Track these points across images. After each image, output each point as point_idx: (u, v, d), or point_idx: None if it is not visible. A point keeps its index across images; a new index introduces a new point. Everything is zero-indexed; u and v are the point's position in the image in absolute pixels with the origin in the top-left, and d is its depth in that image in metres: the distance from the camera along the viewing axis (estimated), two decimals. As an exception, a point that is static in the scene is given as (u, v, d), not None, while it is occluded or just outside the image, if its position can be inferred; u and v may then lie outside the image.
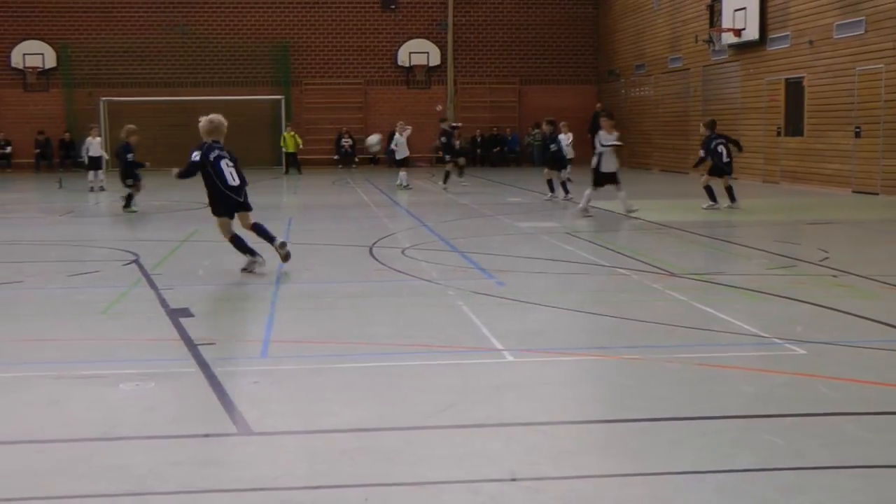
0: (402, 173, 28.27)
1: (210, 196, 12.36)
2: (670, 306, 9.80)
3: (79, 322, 9.45)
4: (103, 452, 5.59)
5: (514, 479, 5.04)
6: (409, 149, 28.87)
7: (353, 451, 5.48)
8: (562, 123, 25.21)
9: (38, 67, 41.63)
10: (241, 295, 10.95)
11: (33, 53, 41.51)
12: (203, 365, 7.44)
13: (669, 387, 6.83)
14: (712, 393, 6.70)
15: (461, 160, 29.80)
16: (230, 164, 12.44)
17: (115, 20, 41.85)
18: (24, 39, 41.53)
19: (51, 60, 41.65)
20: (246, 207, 12.51)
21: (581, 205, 19.15)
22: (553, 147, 24.16)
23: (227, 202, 12.30)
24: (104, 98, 40.27)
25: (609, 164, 19.10)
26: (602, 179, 18.97)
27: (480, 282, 11.35)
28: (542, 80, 43.53)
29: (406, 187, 27.77)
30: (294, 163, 38.56)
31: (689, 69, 34.49)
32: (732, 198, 20.33)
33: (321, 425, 6.00)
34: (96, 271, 12.55)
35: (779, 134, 28.48)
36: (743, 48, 30.16)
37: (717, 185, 20.35)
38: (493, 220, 18.78)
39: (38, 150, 40.96)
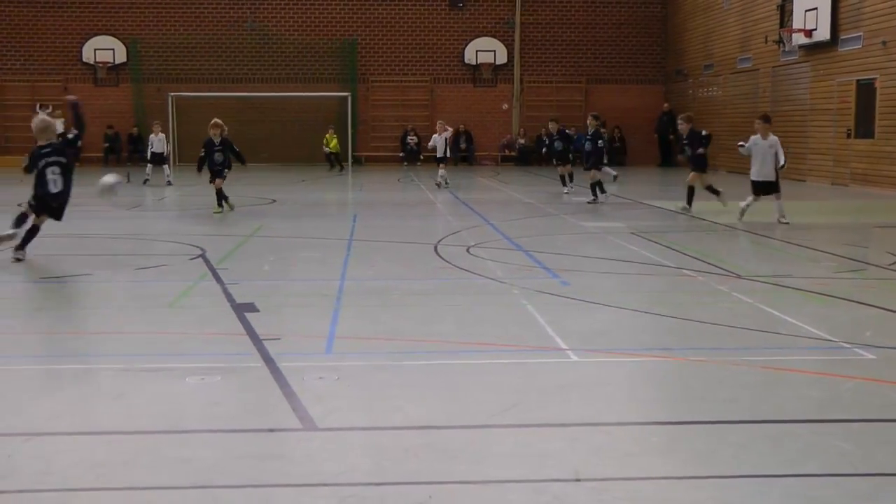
0: (441, 171, 28.00)
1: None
2: (736, 308, 9.71)
3: (146, 315, 9.54)
4: (169, 445, 5.64)
5: (578, 480, 5.01)
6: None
7: (417, 449, 5.48)
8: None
9: (108, 62, 42.13)
10: (306, 291, 10.99)
11: (104, 49, 42.01)
12: (268, 360, 7.48)
13: (735, 389, 6.76)
14: (778, 397, 6.63)
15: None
16: (57, 170, 13.04)
17: (184, 16, 42.24)
18: (96, 35, 42.05)
19: (121, 56, 42.13)
20: (56, 217, 13.24)
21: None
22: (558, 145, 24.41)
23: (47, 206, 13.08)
24: (172, 93, 40.67)
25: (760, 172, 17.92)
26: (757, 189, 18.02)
27: (545, 281, 11.32)
28: (608, 80, 43.33)
29: (444, 186, 27.42)
30: (336, 160, 39.19)
31: (758, 70, 34.15)
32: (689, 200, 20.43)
33: (385, 422, 6.01)
34: (163, 265, 12.67)
35: (848, 136, 28.11)
36: (814, 49, 29.80)
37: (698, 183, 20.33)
38: (557, 220, 18.73)
39: (106, 145, 41.41)
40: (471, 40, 42.86)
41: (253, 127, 40.13)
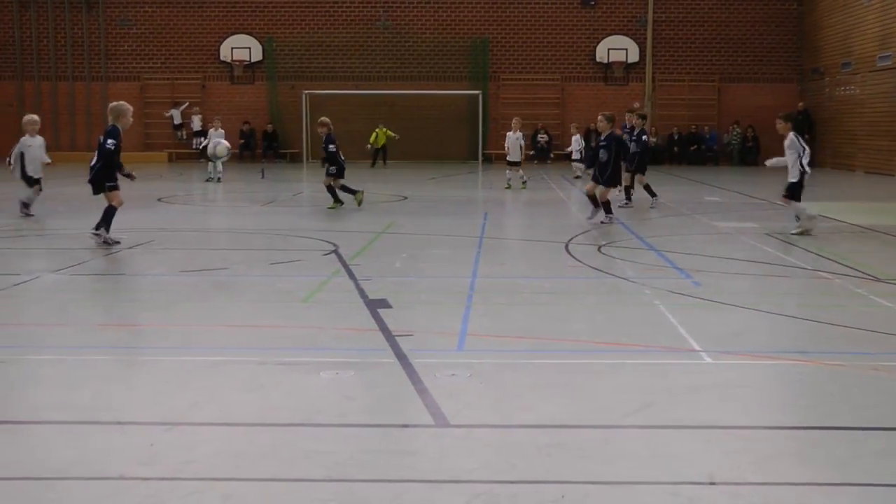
0: (508, 172, 26.75)
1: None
2: (875, 312, 9.49)
3: (281, 309, 9.70)
4: (305, 438, 5.73)
5: (712, 483, 4.96)
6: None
7: (550, 448, 5.48)
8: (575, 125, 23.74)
9: (244, 61, 42.89)
10: (438, 287, 11.05)
11: (240, 47, 42.78)
12: (400, 356, 7.54)
13: (875, 395, 6.61)
14: (921, 404, 6.47)
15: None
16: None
17: (319, 15, 42.77)
18: (233, 34, 42.85)
19: (256, 54, 42.86)
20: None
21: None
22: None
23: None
24: (306, 91, 41.24)
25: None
26: None
27: (676, 281, 11.21)
28: (742, 79, 42.66)
29: (517, 187, 26.34)
30: (383, 156, 39.75)
31: (898, 67, 33.30)
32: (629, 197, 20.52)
33: (518, 420, 6.01)
34: (298, 260, 12.85)
35: None
36: (957, 46, 28.95)
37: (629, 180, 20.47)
38: (689, 219, 18.51)
39: (242, 141, 42.13)
40: (602, 38, 42.60)
41: (384, 124, 40.44)
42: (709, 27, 42.53)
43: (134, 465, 5.20)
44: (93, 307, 10.10)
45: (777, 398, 6.76)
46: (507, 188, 26.22)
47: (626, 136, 21.00)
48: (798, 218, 15.86)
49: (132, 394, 6.61)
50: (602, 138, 18.33)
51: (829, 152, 38.95)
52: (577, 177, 30.21)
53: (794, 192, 15.87)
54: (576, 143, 31.66)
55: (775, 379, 7.23)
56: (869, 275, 11.66)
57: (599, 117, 18.95)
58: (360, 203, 19.95)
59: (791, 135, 15.95)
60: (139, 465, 5.21)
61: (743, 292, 10.54)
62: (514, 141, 26.85)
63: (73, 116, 43.06)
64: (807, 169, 15.91)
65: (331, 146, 20.19)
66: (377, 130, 39.65)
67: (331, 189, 20.28)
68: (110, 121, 14.04)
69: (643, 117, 22.58)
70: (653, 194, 21.35)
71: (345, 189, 20.23)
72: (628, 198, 21.10)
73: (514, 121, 27.49)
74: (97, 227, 13.76)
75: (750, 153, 41.46)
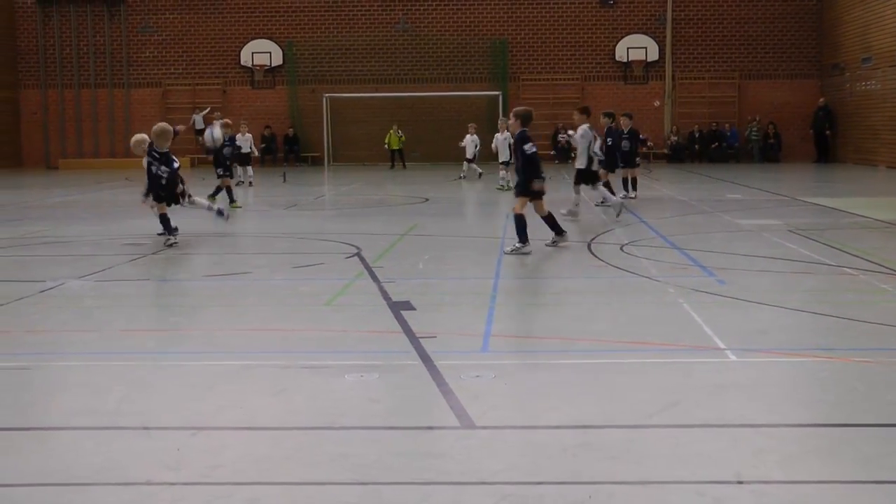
0: (502, 172, 26.99)
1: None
2: (901, 308, 9.45)
3: (304, 312, 9.71)
4: (330, 441, 5.73)
5: (740, 482, 4.94)
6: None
7: (576, 448, 5.46)
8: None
9: (265, 65, 43.01)
10: (461, 289, 11.05)
11: (261, 52, 42.90)
12: (425, 358, 7.54)
13: (902, 392, 6.58)
14: (949, 399, 6.43)
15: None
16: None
17: (338, 18, 42.84)
18: (253, 38, 42.97)
19: (277, 58, 42.95)
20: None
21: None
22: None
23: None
24: (327, 94, 41.31)
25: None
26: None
27: (701, 279, 11.18)
28: (761, 75, 42.51)
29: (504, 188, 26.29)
30: (400, 158, 39.91)
31: (920, 62, 33.13)
32: (612, 191, 20.40)
33: (543, 421, 6.00)
34: (320, 263, 12.87)
35: None
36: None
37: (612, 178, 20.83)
38: (712, 217, 18.45)
39: (263, 145, 42.22)
40: (622, 37, 42.52)
41: (405, 127, 40.51)
42: (728, 24, 42.40)
43: (160, 470, 5.21)
44: (118, 313, 10.12)
45: (803, 396, 6.73)
46: (499, 189, 26.39)
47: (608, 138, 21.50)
48: (604, 201, 18.04)
49: (158, 399, 6.63)
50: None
51: (850, 148, 38.80)
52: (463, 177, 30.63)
53: (583, 177, 18.27)
54: (471, 143, 31.38)
55: (801, 376, 7.19)
56: (894, 270, 11.60)
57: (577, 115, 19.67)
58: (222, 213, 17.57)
59: (584, 126, 18.08)
60: (166, 469, 5.22)
61: (768, 289, 10.50)
62: (501, 141, 27.28)
63: (97, 123, 43.27)
64: (599, 155, 18.47)
65: (226, 148, 21.61)
66: (391, 132, 39.74)
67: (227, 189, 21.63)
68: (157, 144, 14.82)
69: (630, 116, 24.12)
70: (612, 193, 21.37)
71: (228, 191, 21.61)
72: (620, 191, 21.84)
73: (499, 121, 28.20)
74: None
75: (771, 150, 41.33)
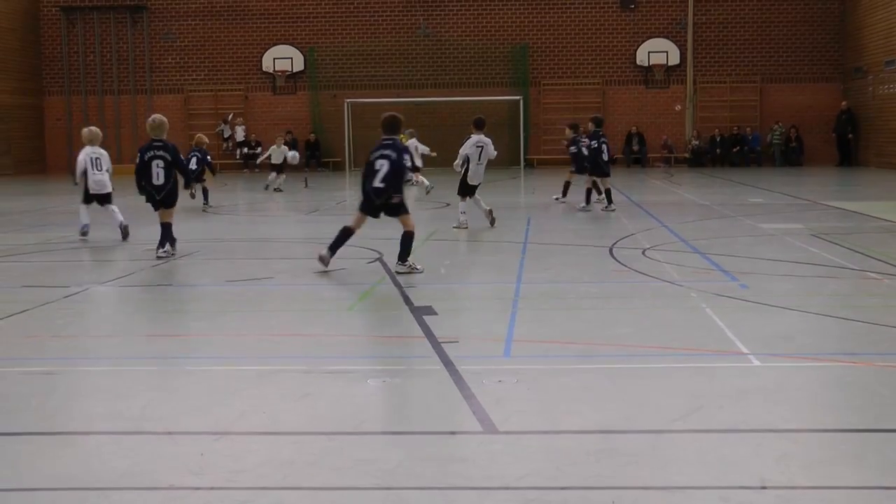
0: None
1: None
2: (926, 312, 9.40)
3: (326, 318, 9.72)
4: (352, 446, 5.73)
5: (763, 487, 4.92)
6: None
7: (599, 453, 5.46)
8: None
9: (286, 71, 43.14)
10: (483, 294, 11.05)
11: (282, 58, 43.04)
12: (447, 363, 7.54)
13: (927, 397, 6.55)
14: (974, 404, 6.39)
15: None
16: (161, 164, 14.19)
17: (359, 24, 42.93)
18: (275, 44, 43.10)
19: (298, 64, 43.07)
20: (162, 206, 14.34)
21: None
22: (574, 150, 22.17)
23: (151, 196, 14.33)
24: (348, 100, 41.40)
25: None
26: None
27: (723, 284, 11.15)
28: (783, 79, 42.39)
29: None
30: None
31: (943, 65, 32.95)
32: (596, 197, 20.96)
33: (566, 426, 6.00)
34: (342, 269, 12.87)
35: None
36: None
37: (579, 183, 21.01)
38: (734, 221, 18.40)
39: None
40: (643, 42, 42.48)
41: (426, 131, 40.52)
42: (750, 28, 42.30)
43: (184, 475, 5.23)
44: (141, 318, 10.18)
45: (827, 401, 6.70)
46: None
47: (592, 143, 21.45)
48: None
49: (181, 403, 6.65)
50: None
51: (873, 151, 38.63)
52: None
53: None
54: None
55: (825, 381, 7.17)
56: (918, 275, 11.56)
57: (590, 123, 22.26)
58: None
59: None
60: (190, 474, 5.24)
61: (790, 294, 10.46)
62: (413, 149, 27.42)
63: (119, 130, 43.44)
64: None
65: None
66: (401, 136, 39.51)
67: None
68: (164, 136, 14.47)
69: (574, 127, 23.17)
70: (588, 200, 21.69)
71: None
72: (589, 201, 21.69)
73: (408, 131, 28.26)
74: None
75: (793, 154, 41.19)
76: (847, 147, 39.90)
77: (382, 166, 12.51)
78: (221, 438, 5.85)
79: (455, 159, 17.78)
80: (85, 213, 16.63)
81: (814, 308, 9.64)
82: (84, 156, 16.73)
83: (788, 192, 24.85)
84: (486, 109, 41.38)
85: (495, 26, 42.82)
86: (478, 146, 17.64)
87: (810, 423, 6.09)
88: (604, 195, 21.29)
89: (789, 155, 41.34)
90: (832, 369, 7.41)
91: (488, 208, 17.76)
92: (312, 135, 42.85)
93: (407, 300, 10.32)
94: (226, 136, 43.11)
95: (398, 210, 12.51)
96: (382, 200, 12.42)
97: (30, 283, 12.26)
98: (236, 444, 5.77)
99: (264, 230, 18.47)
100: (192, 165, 23.80)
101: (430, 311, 9.65)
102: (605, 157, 21.22)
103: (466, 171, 17.64)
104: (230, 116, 42.84)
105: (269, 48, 43.13)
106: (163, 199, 14.22)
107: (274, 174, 30.09)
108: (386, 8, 42.88)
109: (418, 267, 12.21)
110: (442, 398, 6.68)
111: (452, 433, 5.93)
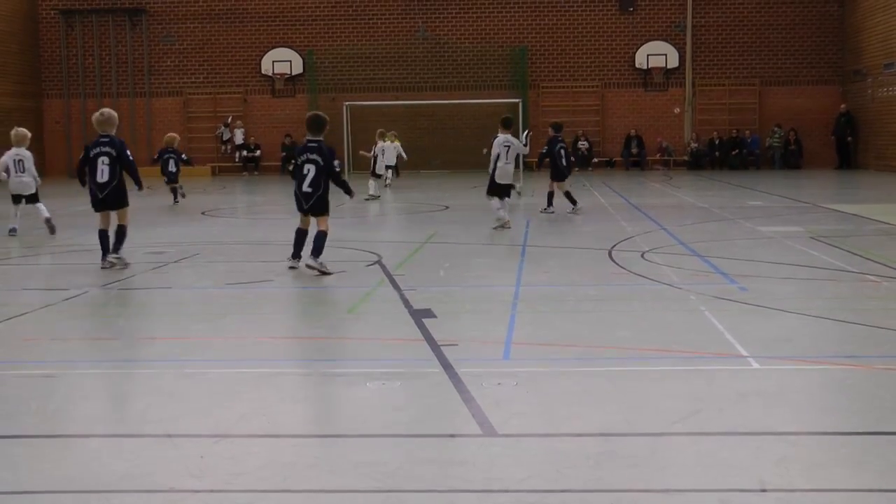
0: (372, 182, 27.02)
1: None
2: (925, 315, 9.40)
3: (326, 321, 9.73)
4: (352, 449, 5.74)
5: (763, 490, 4.93)
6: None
7: (599, 456, 5.46)
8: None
9: (285, 74, 43.12)
10: (482, 297, 11.06)
11: (281, 60, 43.02)
12: (446, 365, 7.54)
13: (927, 399, 6.55)
14: (974, 407, 6.39)
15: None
16: (106, 160, 13.33)
17: (358, 27, 42.91)
18: (274, 47, 43.09)
19: (297, 67, 43.06)
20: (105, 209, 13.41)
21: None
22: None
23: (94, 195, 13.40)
24: (347, 103, 41.40)
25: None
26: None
27: (722, 286, 11.15)
28: (783, 82, 42.38)
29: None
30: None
31: (942, 68, 32.95)
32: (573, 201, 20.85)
33: (566, 428, 6.00)
34: (342, 271, 12.87)
35: None
36: None
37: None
38: (733, 224, 18.40)
39: (283, 154, 42.33)
40: (641, 44, 42.46)
41: (425, 134, 40.59)
42: (748, 30, 42.30)
43: (184, 478, 5.23)
44: (141, 321, 10.18)
45: (827, 403, 6.70)
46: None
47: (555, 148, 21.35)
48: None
49: (181, 406, 6.65)
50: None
51: (872, 154, 38.63)
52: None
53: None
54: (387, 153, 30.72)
55: (825, 384, 7.17)
56: (917, 277, 11.56)
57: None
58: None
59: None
60: (190, 477, 5.24)
61: (790, 297, 10.47)
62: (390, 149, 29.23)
63: (118, 132, 43.20)
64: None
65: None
66: (387, 138, 39.49)
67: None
68: (112, 131, 13.75)
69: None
70: (573, 202, 21.36)
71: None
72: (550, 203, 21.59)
73: (379, 131, 29.90)
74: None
75: (793, 156, 41.20)
76: (846, 150, 39.89)
77: (310, 171, 12.74)
78: (221, 441, 5.85)
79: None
80: (13, 215, 17.29)
81: (813, 311, 9.65)
82: (7, 157, 16.97)
83: (787, 195, 24.86)
84: (485, 112, 41.43)
85: (494, 29, 42.81)
86: (505, 145, 18.17)
87: (810, 425, 6.10)
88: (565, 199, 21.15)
89: (788, 158, 41.33)
90: (832, 372, 7.42)
91: (507, 218, 17.81)
92: (311, 137, 42.80)
93: (406, 303, 10.32)
94: (225, 138, 43.15)
95: (321, 210, 12.89)
96: (310, 204, 12.84)
97: (29, 286, 12.27)
98: (236, 447, 5.77)
99: (263, 233, 18.46)
100: (171, 168, 24.35)
101: (429, 313, 9.65)
102: (564, 161, 21.22)
103: (494, 170, 18.01)
104: (229, 119, 42.87)
105: (267, 51, 43.11)
106: (105, 199, 13.29)
107: (375, 180, 28.26)
108: (385, 11, 42.87)
109: (328, 269, 12.38)
110: (441, 401, 6.68)
111: (452, 436, 5.94)
